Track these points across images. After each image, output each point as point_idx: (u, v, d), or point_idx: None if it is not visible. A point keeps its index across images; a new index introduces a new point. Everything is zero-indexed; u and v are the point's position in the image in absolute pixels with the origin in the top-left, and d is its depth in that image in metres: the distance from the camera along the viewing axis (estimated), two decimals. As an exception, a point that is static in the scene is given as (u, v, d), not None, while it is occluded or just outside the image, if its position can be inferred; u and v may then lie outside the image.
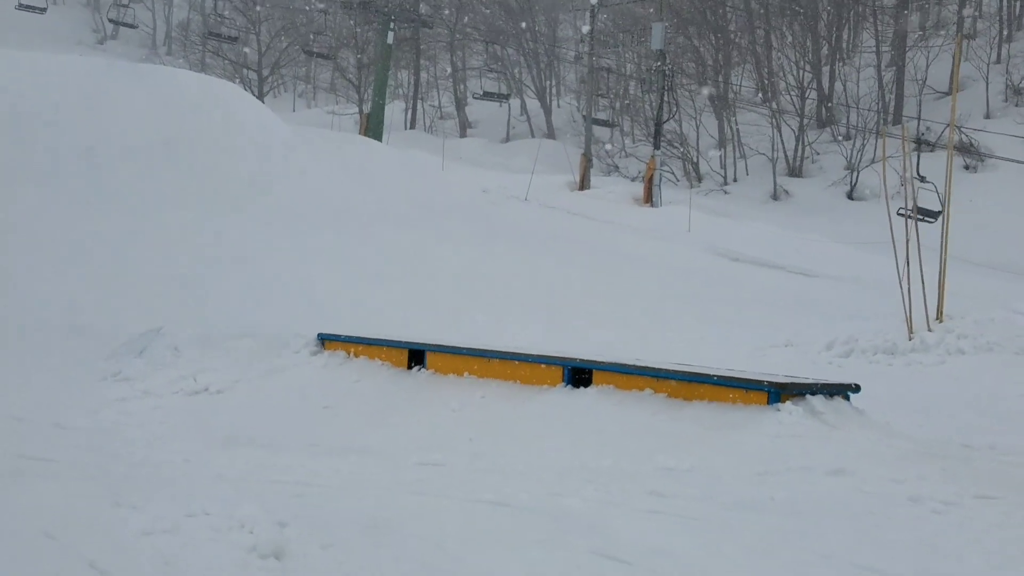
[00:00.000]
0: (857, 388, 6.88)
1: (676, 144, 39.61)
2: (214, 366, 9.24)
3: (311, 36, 44.66)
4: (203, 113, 21.96)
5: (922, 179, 14.24)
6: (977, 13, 42.32)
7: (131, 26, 42.48)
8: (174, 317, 10.82)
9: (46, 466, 5.69)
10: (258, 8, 51.41)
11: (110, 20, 43.01)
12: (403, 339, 9.24)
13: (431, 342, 9.04)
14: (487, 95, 38.79)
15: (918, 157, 12.51)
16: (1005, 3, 41.67)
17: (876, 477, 5.37)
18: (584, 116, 37.04)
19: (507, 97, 43.50)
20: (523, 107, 51.78)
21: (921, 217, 12.90)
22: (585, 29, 35.27)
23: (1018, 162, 27.10)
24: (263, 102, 38.71)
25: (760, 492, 5.22)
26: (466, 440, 6.96)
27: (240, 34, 45.30)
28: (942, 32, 41.00)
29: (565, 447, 6.47)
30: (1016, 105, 36.68)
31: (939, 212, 19.12)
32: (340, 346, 9.59)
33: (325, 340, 9.71)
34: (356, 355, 9.39)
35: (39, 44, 42.50)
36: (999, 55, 39.45)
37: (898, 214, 15.00)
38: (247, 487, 5.45)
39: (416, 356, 8.96)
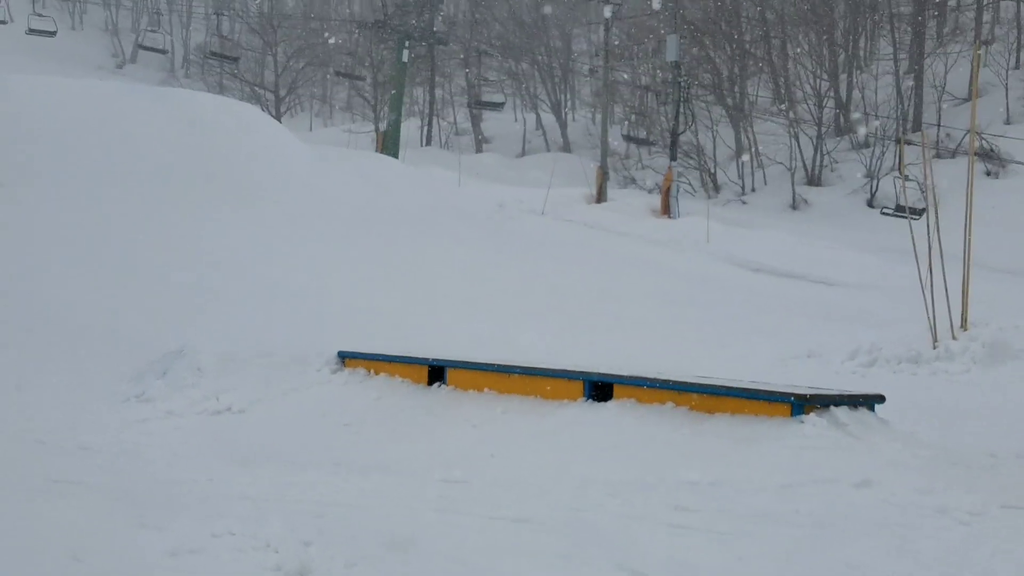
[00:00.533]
0: (882, 399, 6.82)
1: (693, 155, 39.56)
2: (236, 385, 9.27)
3: (338, 57, 44.83)
4: (221, 132, 22.13)
5: (905, 177, 14.24)
6: (995, 19, 42.13)
7: (161, 51, 42.68)
8: (196, 334, 10.87)
9: (71, 488, 5.71)
10: (276, 30, 51.80)
11: (140, 46, 43.21)
12: (423, 356, 9.25)
13: (451, 358, 9.04)
14: (480, 104, 38.91)
15: (899, 152, 12.42)
16: (1023, 9, 41.44)
17: (902, 488, 5.32)
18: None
19: (501, 105, 43.38)
20: (538, 121, 51.89)
21: (905, 215, 12.83)
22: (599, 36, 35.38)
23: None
24: (280, 122, 39.00)
25: (785, 505, 5.18)
26: (487, 456, 6.95)
27: (243, 54, 45.56)
28: (960, 38, 40.81)
29: (586, 462, 6.44)
30: (1036, 110, 36.42)
31: (923, 210, 19.08)
32: (360, 363, 9.61)
33: (345, 358, 9.74)
34: (376, 372, 9.41)
35: (58, 69, 43.02)
36: (1018, 61, 39.25)
37: (881, 213, 14.94)
38: (271, 506, 5.46)
39: (436, 372, 8.96)
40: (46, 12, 38.11)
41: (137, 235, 15.71)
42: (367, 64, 51.15)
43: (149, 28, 40.22)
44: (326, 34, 47.55)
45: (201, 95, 28.65)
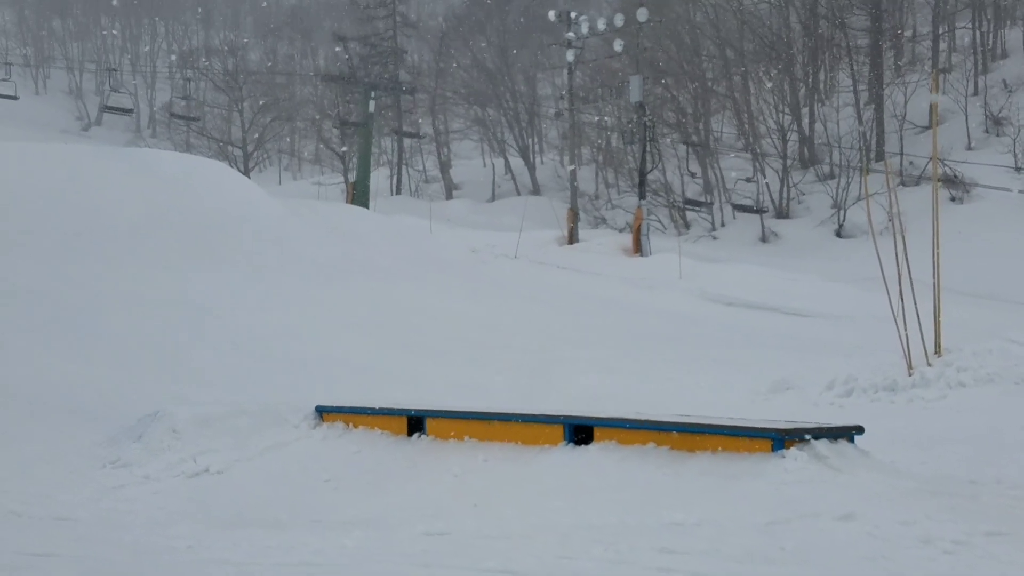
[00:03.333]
0: (861, 430, 6.84)
1: (660, 193, 39.90)
2: (213, 446, 9.16)
3: (305, 110, 44.98)
4: (188, 190, 22.14)
5: (748, 180, 14.60)
6: (951, 47, 42.99)
7: (127, 111, 42.54)
8: (171, 396, 10.77)
9: (46, 561, 5.60)
10: (241, 87, 52.00)
11: (105, 108, 43.05)
12: (401, 406, 9.19)
13: (430, 408, 8.99)
14: (404, 134, 38.67)
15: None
16: (979, 36, 42.33)
17: (885, 520, 5.32)
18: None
19: (421, 137, 43.61)
20: (507, 166, 52.22)
21: (756, 210, 13.04)
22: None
23: (1003, 190, 27.33)
24: (248, 177, 39.01)
25: (770, 542, 5.17)
26: (470, 506, 6.90)
27: (207, 112, 45.62)
28: (917, 68, 41.59)
29: (570, 507, 6.40)
30: (996, 135, 37.10)
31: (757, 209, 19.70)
32: (339, 417, 9.52)
33: (323, 412, 9.66)
34: (355, 426, 9.33)
35: (21, 134, 42.86)
36: (976, 87, 39.99)
37: (732, 205, 14.80)
38: (253, 570, 5.38)
39: (416, 423, 8.90)
40: (8, 77, 38.10)
41: (107, 297, 15.62)
42: (334, 116, 51.37)
43: (112, 88, 40.16)
44: (287, 84, 47.73)
45: (167, 154, 28.65)
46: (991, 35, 43.14)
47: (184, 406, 9.79)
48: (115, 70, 42.48)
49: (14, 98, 38.73)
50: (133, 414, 9.88)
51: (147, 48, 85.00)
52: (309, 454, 8.88)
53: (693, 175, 15.88)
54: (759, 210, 17.86)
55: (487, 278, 22.39)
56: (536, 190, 48.77)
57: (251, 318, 15.54)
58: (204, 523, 6.92)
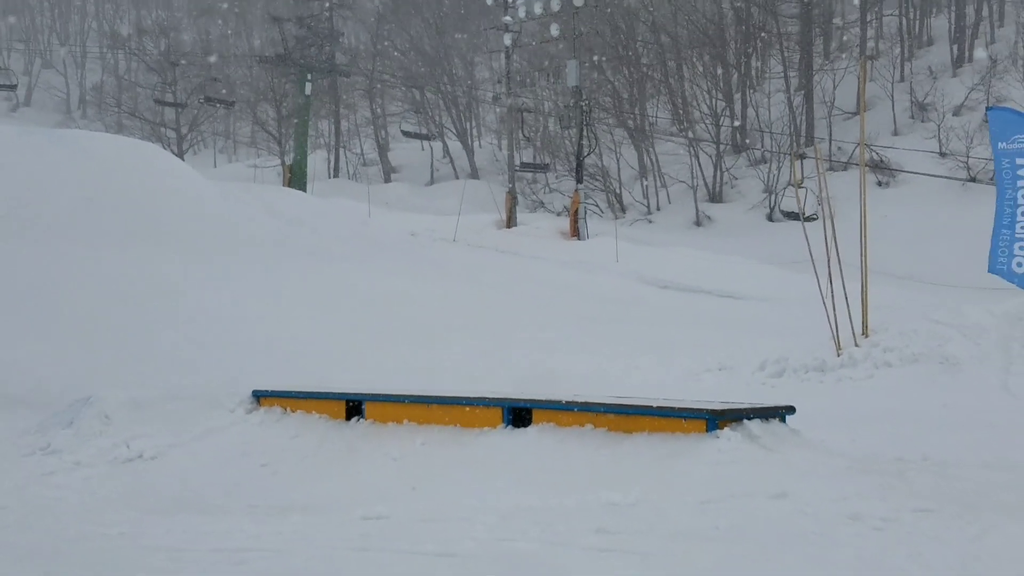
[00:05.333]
0: (792, 410, 6.99)
1: (598, 177, 40.12)
2: (147, 431, 9.01)
3: (215, 85, 44.48)
4: (122, 172, 21.69)
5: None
6: (879, 34, 43.83)
7: (10, 87, 42.15)
8: (103, 379, 10.58)
9: (-27, 550, 5.49)
10: (175, 67, 50.94)
11: None
12: (339, 390, 9.14)
13: (368, 391, 8.96)
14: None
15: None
16: (905, 23, 43.21)
17: (816, 498, 5.46)
18: (509, 156, 37.24)
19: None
20: (445, 149, 52.02)
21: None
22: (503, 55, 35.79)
23: (928, 175, 27.97)
24: (183, 159, 38.33)
25: (704, 521, 5.27)
26: (409, 489, 6.90)
27: (188, 102, 45.03)
28: (845, 55, 42.33)
29: (509, 489, 6.45)
30: (922, 121, 37.97)
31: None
32: (276, 401, 9.43)
33: (260, 396, 9.56)
34: (293, 410, 9.25)
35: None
36: (902, 74, 40.86)
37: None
38: (187, 556, 5.33)
39: (354, 407, 8.86)
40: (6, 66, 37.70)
41: (36, 281, 15.26)
42: (270, 98, 50.63)
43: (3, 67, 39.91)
44: (221, 63, 47.00)
45: (100, 136, 28.00)
46: (917, 22, 44.08)
47: (116, 390, 9.62)
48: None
49: (12, 87, 38.57)
50: (64, 398, 9.69)
51: (76, 27, 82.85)
52: (246, 439, 8.79)
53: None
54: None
55: (427, 261, 22.34)
56: (475, 174, 48.70)
57: (189, 300, 15.32)
58: (137, 509, 6.82)
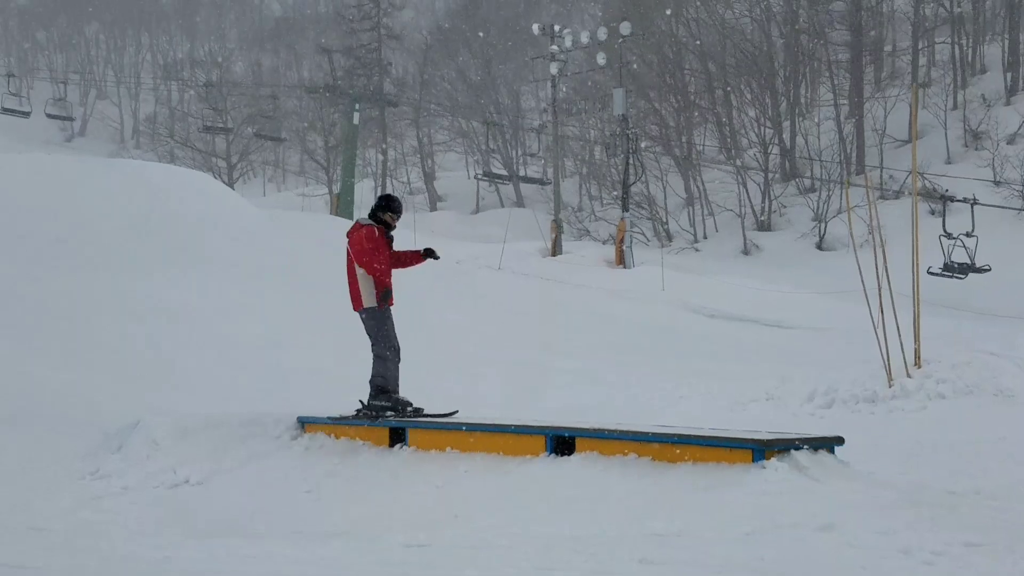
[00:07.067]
0: (841, 440, 6.87)
1: (644, 206, 40.03)
2: (193, 457, 9.11)
3: (266, 120, 45.08)
4: (174, 200, 22.07)
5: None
6: (930, 62, 43.38)
7: (69, 119, 42.93)
8: (152, 405, 10.71)
9: (19, 572, 5.55)
10: (226, 98, 51.90)
11: (47, 115, 43.43)
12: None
13: (411, 419, 8.97)
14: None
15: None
16: (958, 51, 42.73)
17: (865, 530, 5.34)
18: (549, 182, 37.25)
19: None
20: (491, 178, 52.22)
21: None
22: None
23: (984, 205, 27.50)
24: (233, 188, 38.92)
25: (750, 553, 5.17)
26: (451, 517, 6.88)
27: (233, 126, 45.78)
28: (897, 82, 41.91)
29: (551, 518, 6.40)
30: (975, 149, 37.40)
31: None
32: (320, 428, 9.49)
33: (305, 423, 9.62)
34: (337, 436, 9.30)
35: (5, 145, 42.68)
36: (955, 102, 40.34)
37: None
38: (230, 581, 5.34)
39: (397, 434, 8.88)
40: (18, 93, 38.38)
41: (90, 306, 15.53)
42: (318, 128, 51.33)
43: (57, 97, 40.38)
44: (271, 95, 47.73)
45: (152, 165, 28.55)
46: (970, 50, 43.54)
47: (164, 416, 9.73)
48: (13, 75, 43.02)
49: (26, 114, 39.08)
50: (114, 423, 9.82)
51: (131, 59, 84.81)
52: (290, 465, 8.84)
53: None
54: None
55: (471, 289, 22.39)
56: (520, 202, 48.85)
57: (235, 327, 15.49)
58: (182, 533, 6.87)
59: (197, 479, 8.64)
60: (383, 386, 9.15)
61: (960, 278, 16.52)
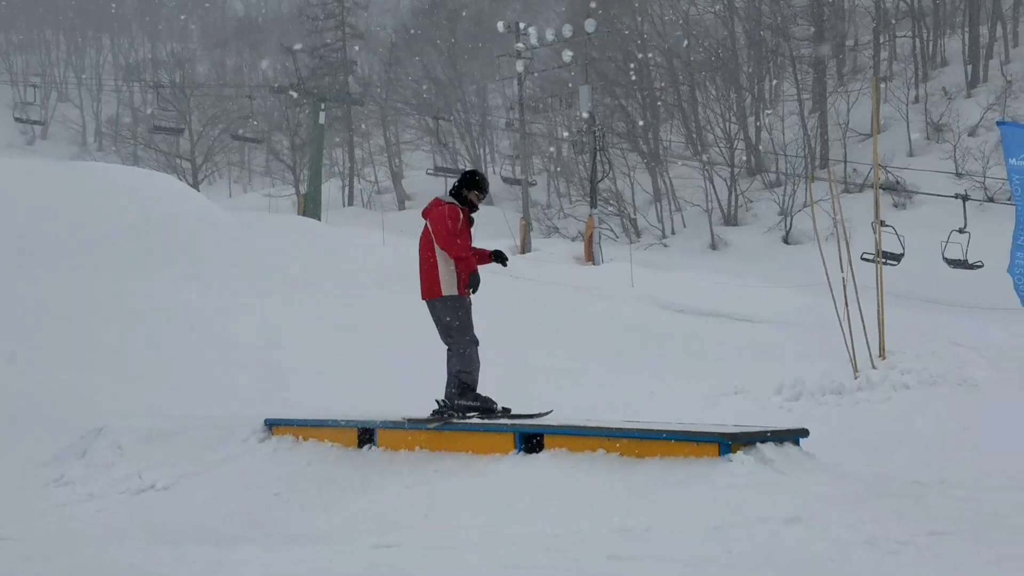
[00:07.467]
0: (806, 432, 6.91)
1: (612, 202, 40.14)
2: (160, 461, 9.02)
3: (236, 121, 44.86)
4: (137, 202, 21.89)
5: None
6: (892, 56, 43.83)
7: (39, 123, 42.56)
8: (118, 408, 10.61)
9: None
10: (189, 98, 51.49)
11: (16, 119, 42.90)
12: (352, 418, 9.12)
13: (380, 419, 8.93)
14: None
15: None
16: (918, 45, 43.18)
17: (831, 522, 5.38)
18: (513, 181, 37.28)
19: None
20: (459, 176, 52.19)
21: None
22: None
23: (944, 196, 27.81)
24: (198, 190, 38.59)
25: (718, 546, 5.19)
26: (421, 517, 6.86)
27: (184, 126, 45.40)
28: (859, 76, 42.32)
29: (521, 516, 6.39)
30: (937, 142, 37.84)
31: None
32: (288, 430, 9.42)
33: (273, 425, 9.55)
34: (305, 438, 9.23)
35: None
36: (916, 95, 40.77)
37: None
38: (197, 586, 5.29)
39: (366, 434, 8.84)
40: (34, 101, 38.22)
41: (51, 310, 15.35)
42: (284, 128, 51.01)
43: (24, 101, 40.11)
44: (236, 94, 47.43)
45: (117, 167, 28.31)
46: (931, 44, 44.04)
47: (129, 420, 9.63)
48: (31, 86, 42.87)
49: (40, 123, 39.18)
50: (78, 429, 9.71)
51: (92, 60, 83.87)
52: (258, 468, 8.77)
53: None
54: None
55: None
56: (488, 200, 48.83)
57: (204, 328, 15.39)
58: (148, 540, 6.80)
59: (163, 484, 8.55)
60: (470, 383, 8.32)
61: (893, 264, 16.75)
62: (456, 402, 8.27)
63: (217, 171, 60.84)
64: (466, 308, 8.33)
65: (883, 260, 12.71)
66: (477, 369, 8.31)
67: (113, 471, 8.78)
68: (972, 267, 20.08)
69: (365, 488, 7.85)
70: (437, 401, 8.39)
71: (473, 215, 8.40)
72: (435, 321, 8.41)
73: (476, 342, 8.33)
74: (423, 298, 8.36)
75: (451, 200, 8.30)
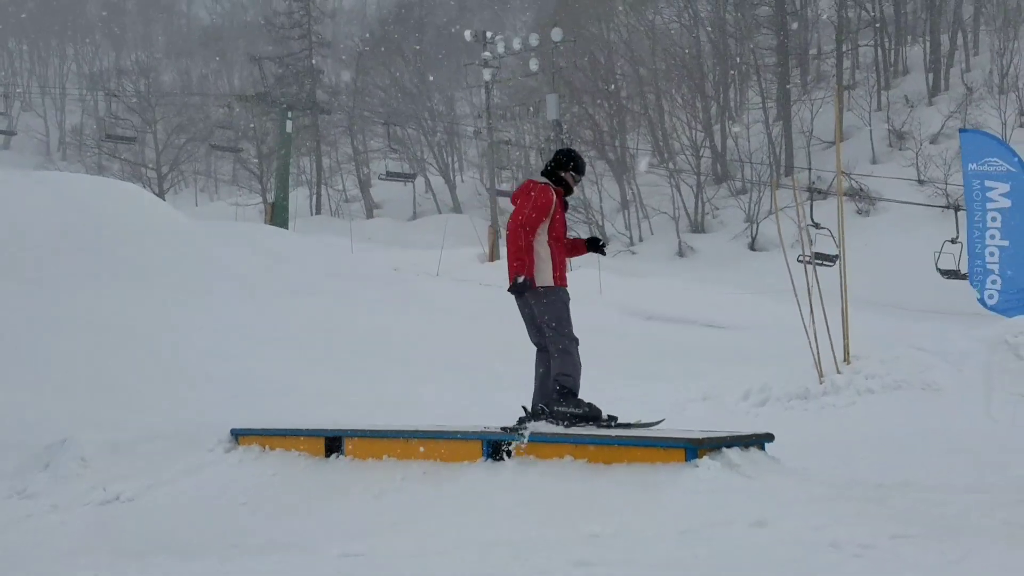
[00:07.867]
0: (771, 437, 6.97)
1: (580, 209, 40.29)
2: (124, 473, 8.93)
3: (215, 131, 44.60)
4: (101, 212, 21.67)
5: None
6: (855, 64, 44.38)
7: (11, 133, 41.99)
8: (81, 420, 10.48)
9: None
10: (155, 107, 51.10)
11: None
12: (318, 427, 9.08)
13: (347, 427, 8.90)
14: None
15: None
16: (881, 53, 43.75)
17: (796, 525, 5.43)
18: (488, 188, 37.40)
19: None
20: (428, 185, 52.17)
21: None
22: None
23: (907, 203, 28.17)
24: (164, 199, 38.29)
25: (684, 551, 5.22)
26: (389, 525, 6.84)
27: (138, 134, 44.91)
28: (823, 85, 42.79)
29: (488, 523, 6.39)
30: (900, 149, 38.34)
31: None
32: (255, 440, 9.36)
33: (239, 435, 9.49)
34: (272, 448, 9.18)
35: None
36: (879, 103, 41.29)
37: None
38: (162, 598, 5.25)
39: (334, 443, 8.80)
40: (5, 111, 37.76)
41: (14, 322, 15.14)
42: (251, 136, 50.74)
43: None
44: (203, 103, 47.15)
45: (81, 177, 28.02)
46: (892, 52, 44.63)
47: (93, 432, 9.52)
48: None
49: (131, 139, 38.84)
50: (41, 441, 9.59)
51: (56, 69, 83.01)
52: (224, 478, 8.71)
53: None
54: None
55: (410, 295, 22.31)
56: (457, 208, 48.84)
57: (172, 337, 15.25)
58: (112, 552, 6.73)
59: (128, 496, 8.47)
60: (572, 388, 7.41)
61: (828, 265, 17.03)
62: (555, 408, 7.38)
63: (183, 180, 60.37)
64: (563, 301, 7.45)
65: (818, 261, 12.85)
66: (579, 372, 7.42)
67: (77, 483, 8.68)
68: (964, 277, 20.49)
69: (333, 497, 7.82)
70: (525, 408, 7.58)
71: (567, 199, 7.55)
72: (524, 318, 7.59)
73: (576, 340, 7.44)
74: (509, 291, 7.46)
75: (544, 181, 7.40)
